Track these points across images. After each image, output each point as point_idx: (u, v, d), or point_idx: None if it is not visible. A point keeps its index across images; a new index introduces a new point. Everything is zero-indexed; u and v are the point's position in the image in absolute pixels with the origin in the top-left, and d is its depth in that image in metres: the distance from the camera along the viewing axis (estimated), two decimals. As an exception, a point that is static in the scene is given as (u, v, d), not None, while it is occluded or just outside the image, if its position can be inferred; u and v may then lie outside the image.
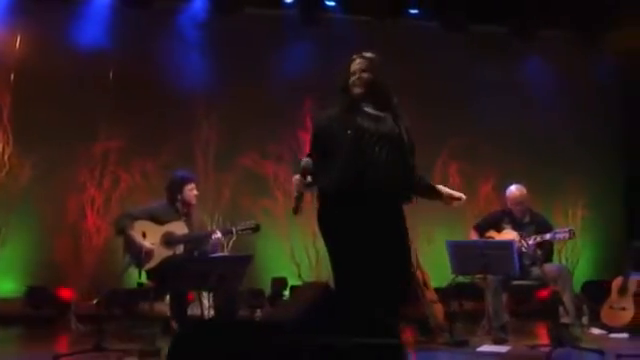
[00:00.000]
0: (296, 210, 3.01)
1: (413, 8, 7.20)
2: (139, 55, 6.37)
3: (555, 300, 4.87)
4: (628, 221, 7.27)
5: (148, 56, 6.39)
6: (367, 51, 3.20)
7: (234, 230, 4.82)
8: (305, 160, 3.01)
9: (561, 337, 4.40)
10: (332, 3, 7.07)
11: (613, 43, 7.38)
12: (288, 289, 6.66)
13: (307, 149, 6.73)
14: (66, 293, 6.44)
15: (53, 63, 6.22)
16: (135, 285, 6.46)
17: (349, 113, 3.05)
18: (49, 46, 6.31)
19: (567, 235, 4.93)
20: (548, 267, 5.04)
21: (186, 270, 4.53)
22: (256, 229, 4.84)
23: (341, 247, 2.99)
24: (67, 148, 6.17)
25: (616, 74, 7.61)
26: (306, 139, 6.76)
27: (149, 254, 4.68)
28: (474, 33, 7.34)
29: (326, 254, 6.61)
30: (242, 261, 4.65)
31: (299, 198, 3.00)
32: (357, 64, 3.14)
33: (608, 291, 5.71)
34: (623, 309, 5.51)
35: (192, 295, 5.44)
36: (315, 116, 3.34)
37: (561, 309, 4.77)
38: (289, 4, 6.94)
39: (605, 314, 5.61)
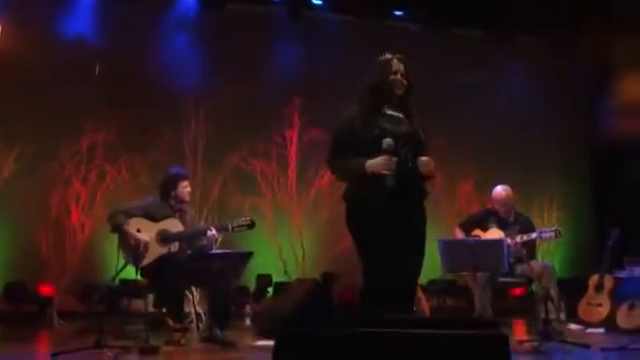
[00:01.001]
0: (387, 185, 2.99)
1: (398, 9, 7.35)
2: (127, 49, 6.28)
3: (543, 296, 5.07)
4: (597, 221, 7.59)
5: (136, 50, 6.31)
6: (398, 53, 3.24)
7: (230, 227, 4.83)
8: (387, 140, 3.02)
9: (547, 332, 4.61)
10: (319, 2, 7.14)
11: (585, 48, 7.71)
12: (272, 286, 6.70)
13: (293, 147, 6.87)
14: (46, 289, 6.31)
15: (38, 55, 6.07)
16: (117, 282, 6.48)
17: (372, 114, 3.10)
18: (33, 37, 6.15)
19: (553, 235, 5.15)
20: (533, 264, 5.25)
21: (186, 267, 4.53)
22: (251, 225, 4.86)
23: (372, 242, 3.05)
24: (51, 141, 6.05)
25: (586, 79, 7.93)
26: (293, 137, 6.83)
27: (147, 248, 4.65)
28: (455, 36, 7.53)
29: (312, 252, 6.71)
30: (242, 257, 4.69)
31: (390, 176, 2.99)
32: (399, 66, 3.17)
33: (582, 288, 5.97)
34: (599, 305, 5.77)
35: None
36: (339, 117, 3.33)
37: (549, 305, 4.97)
38: (277, 2, 6.98)
39: (582, 310, 5.86)
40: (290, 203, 6.69)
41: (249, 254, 4.73)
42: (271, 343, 4.80)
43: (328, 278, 6.37)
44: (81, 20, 6.25)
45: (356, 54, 6.99)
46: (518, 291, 6.42)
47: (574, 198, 7.58)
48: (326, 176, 6.82)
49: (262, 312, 5.59)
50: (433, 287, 6.50)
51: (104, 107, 6.16)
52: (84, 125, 6.18)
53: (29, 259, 6.02)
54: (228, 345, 4.58)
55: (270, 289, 6.71)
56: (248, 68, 6.62)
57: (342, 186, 7.11)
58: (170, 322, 4.80)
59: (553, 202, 7.36)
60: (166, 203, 4.91)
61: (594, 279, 5.90)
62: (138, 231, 4.72)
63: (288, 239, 6.58)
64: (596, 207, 7.63)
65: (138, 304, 6.33)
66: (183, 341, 4.63)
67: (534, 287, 5.23)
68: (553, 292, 5.15)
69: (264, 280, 6.71)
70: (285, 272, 6.61)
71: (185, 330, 4.72)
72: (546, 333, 4.57)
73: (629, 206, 6.76)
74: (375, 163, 2.99)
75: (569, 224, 7.26)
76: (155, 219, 4.79)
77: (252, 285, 6.64)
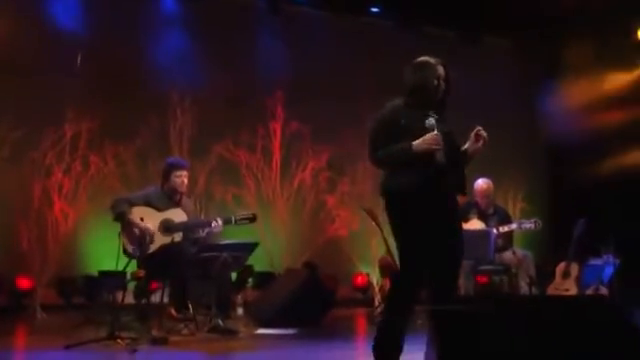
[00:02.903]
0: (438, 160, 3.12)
1: (374, 6, 7.57)
2: (112, 37, 6.19)
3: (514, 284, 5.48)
4: (553, 213, 8.11)
5: (120, 40, 6.22)
6: (432, 57, 3.35)
7: (233, 219, 4.90)
8: (430, 120, 3.13)
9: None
10: (297, -3, 7.27)
11: (542, 52, 8.21)
12: (253, 276, 6.78)
13: (277, 140, 6.96)
14: (24, 282, 6.16)
15: (19, 42, 5.88)
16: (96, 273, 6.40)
17: (416, 112, 3.21)
18: (15, 25, 5.95)
19: (532, 225, 5.53)
20: (509, 253, 5.62)
21: (196, 257, 4.57)
22: (253, 219, 4.95)
23: (413, 234, 3.17)
24: (33, 129, 5.87)
25: (545, 80, 8.44)
26: (277, 130, 6.92)
27: (152, 239, 4.65)
28: (427, 34, 7.82)
29: (295, 242, 6.82)
30: (248, 248, 4.77)
31: (437, 152, 3.11)
32: (442, 72, 3.27)
33: (546, 274, 6.42)
34: (566, 290, 6.21)
35: (156, 283, 5.43)
36: (379, 112, 3.43)
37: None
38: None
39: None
40: (274, 194, 6.79)
41: (255, 245, 4.82)
42: (271, 331, 4.98)
43: (310, 268, 6.53)
44: (65, 8, 6.08)
45: (334, 49, 7.19)
46: (483, 279, 6.85)
47: (535, 192, 8.06)
48: (308, 168, 6.97)
49: (259, 302, 5.69)
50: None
51: (89, 95, 6.03)
52: (68, 113, 6.02)
53: (9, 251, 5.84)
54: (231, 334, 4.67)
55: (251, 279, 6.79)
56: (232, 60, 6.66)
57: (324, 179, 7.26)
58: (173, 312, 4.84)
59: (518, 195, 7.81)
60: (166, 193, 4.92)
61: (561, 267, 6.34)
62: (141, 220, 4.71)
63: (271, 230, 6.66)
64: (554, 200, 8.15)
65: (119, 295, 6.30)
66: (185, 331, 4.67)
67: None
68: (530, 278, 5.54)
69: (245, 271, 6.77)
70: (270, 263, 6.69)
71: (188, 320, 4.75)
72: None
73: (586, 199, 7.29)
74: (423, 140, 3.10)
75: (532, 215, 7.73)
76: (157, 208, 4.79)
77: (233, 275, 6.69)
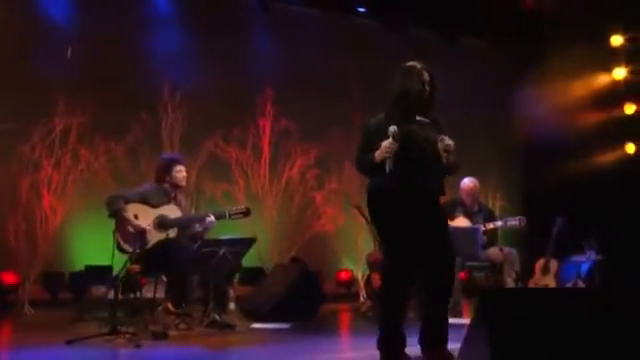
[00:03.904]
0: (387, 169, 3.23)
1: (362, 6, 7.69)
2: (103, 32, 6.14)
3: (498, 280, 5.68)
4: (530, 211, 8.38)
5: (113, 34, 6.18)
6: (418, 62, 3.43)
7: (227, 214, 4.95)
8: (394, 128, 3.24)
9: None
10: (287, -6, 7.33)
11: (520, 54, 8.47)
12: (240, 271, 6.82)
13: (266, 136, 7.02)
14: (10, 278, 6.08)
15: (9, 34, 5.79)
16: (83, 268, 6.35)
17: (401, 119, 3.32)
18: (5, 16, 5.85)
19: (517, 223, 5.71)
20: (495, 250, 5.82)
21: (197, 252, 4.60)
22: (247, 213, 5.00)
23: (392, 233, 3.35)
24: (22, 122, 5.78)
25: (522, 81, 8.70)
26: (266, 126, 6.98)
27: (145, 237, 4.66)
28: (410, 36, 7.98)
29: (283, 238, 6.87)
30: (246, 243, 4.83)
31: (387, 159, 3.23)
32: (426, 76, 3.39)
33: (525, 270, 6.66)
34: (546, 285, 6.47)
35: (145, 280, 5.45)
36: (368, 119, 3.58)
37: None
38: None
39: (531, 290, 6.54)
40: (263, 191, 6.86)
41: (253, 240, 4.88)
42: (266, 326, 5.05)
43: (299, 263, 6.61)
44: (57, 2, 6.02)
45: (323, 48, 7.28)
46: (463, 275, 7.05)
47: (512, 190, 8.32)
48: (296, 165, 7.05)
49: (252, 297, 5.75)
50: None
51: (78, 89, 5.97)
52: (58, 106, 5.95)
53: (-3, 245, 5.76)
54: (229, 328, 4.73)
55: (237, 274, 6.83)
56: (223, 57, 6.68)
57: (312, 177, 7.36)
58: (170, 307, 4.86)
59: (497, 194, 8.04)
60: (162, 189, 4.94)
61: (540, 263, 6.59)
62: (136, 217, 4.72)
63: (260, 225, 6.71)
64: (530, 199, 8.42)
65: (100, 290, 6.28)
66: (183, 326, 4.71)
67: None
68: (515, 274, 5.74)
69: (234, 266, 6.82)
70: (259, 259, 6.74)
71: (185, 315, 4.78)
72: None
73: (562, 197, 7.56)
74: (379, 151, 3.26)
75: (511, 212, 7.98)
76: (152, 205, 4.81)
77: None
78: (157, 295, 5.07)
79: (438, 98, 3.43)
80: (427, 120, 3.45)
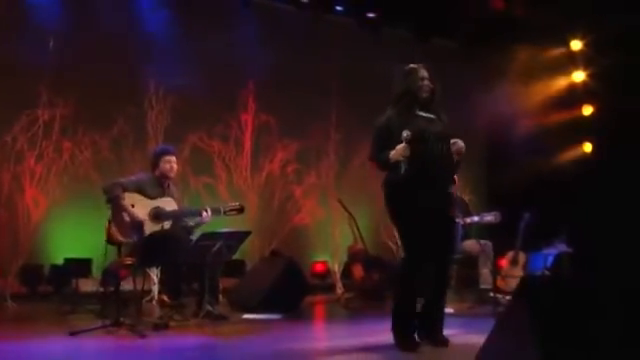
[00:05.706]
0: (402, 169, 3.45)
1: (338, 4, 7.83)
2: (88, 24, 6.07)
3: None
4: (495, 206, 8.76)
5: (98, 27, 6.11)
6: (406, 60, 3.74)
7: (222, 210, 5.04)
8: (407, 132, 3.46)
9: (483, 299, 5.54)
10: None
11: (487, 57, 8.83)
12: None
13: (248, 131, 7.09)
14: (-12, 271, 5.96)
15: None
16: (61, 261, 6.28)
17: (407, 116, 3.59)
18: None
19: (493, 218, 6.02)
20: (472, 242, 6.12)
21: (196, 244, 4.67)
22: (241, 210, 5.12)
23: (409, 224, 3.56)
24: (3, 113, 5.67)
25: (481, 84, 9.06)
26: (248, 121, 7.05)
27: (142, 229, 4.70)
28: (385, 35, 8.19)
29: (264, 232, 6.97)
30: (241, 236, 4.93)
31: (401, 162, 3.45)
32: (425, 73, 3.67)
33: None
34: (515, 277, 6.83)
35: (125, 272, 5.47)
36: (377, 119, 3.79)
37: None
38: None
39: (500, 281, 6.89)
40: (245, 185, 6.94)
41: (248, 233, 4.99)
42: (257, 316, 5.17)
43: (276, 255, 6.74)
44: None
45: (303, 45, 7.39)
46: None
47: (479, 186, 8.68)
48: (276, 160, 7.16)
49: (239, 289, 5.84)
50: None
51: (61, 81, 5.89)
52: (41, 97, 5.85)
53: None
54: (222, 319, 4.83)
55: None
56: (206, 51, 6.69)
57: (292, 171, 7.48)
58: (166, 299, 4.92)
59: (466, 188, 8.37)
60: (156, 179, 4.97)
61: (509, 255, 6.94)
62: (132, 207, 4.74)
63: (242, 219, 6.78)
64: (496, 194, 8.81)
65: (86, 283, 6.24)
66: (177, 317, 4.77)
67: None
68: (490, 266, 6.06)
69: (214, 258, 6.89)
70: (241, 251, 6.81)
71: (180, 307, 4.85)
72: (481, 300, 5.68)
73: (526, 193, 7.96)
74: (394, 152, 3.49)
75: (479, 207, 8.33)
76: (148, 196, 4.83)
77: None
78: (141, 287, 5.14)
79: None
80: (432, 116, 3.69)
